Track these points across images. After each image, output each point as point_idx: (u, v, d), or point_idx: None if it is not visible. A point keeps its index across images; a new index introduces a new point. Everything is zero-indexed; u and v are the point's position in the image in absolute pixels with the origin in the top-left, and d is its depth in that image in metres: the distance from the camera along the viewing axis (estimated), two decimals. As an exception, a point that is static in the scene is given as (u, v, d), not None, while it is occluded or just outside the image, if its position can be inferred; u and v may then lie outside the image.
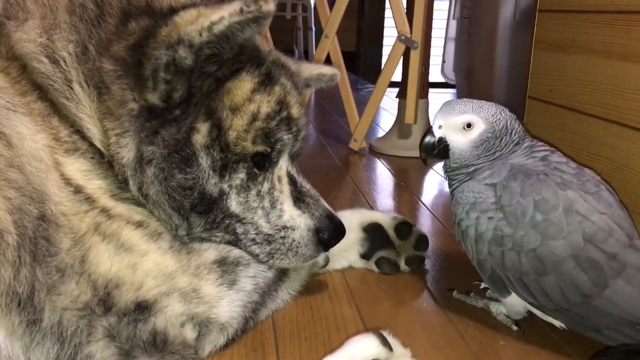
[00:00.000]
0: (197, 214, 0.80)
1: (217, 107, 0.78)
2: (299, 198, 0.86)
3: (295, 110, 0.85)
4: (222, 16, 0.71)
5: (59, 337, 0.65)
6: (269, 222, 0.83)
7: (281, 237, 0.84)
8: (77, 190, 0.71)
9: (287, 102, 0.84)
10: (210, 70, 0.77)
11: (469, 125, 0.83)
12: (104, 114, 0.76)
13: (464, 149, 0.85)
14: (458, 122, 0.84)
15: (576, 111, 1.24)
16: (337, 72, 1.02)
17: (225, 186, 0.80)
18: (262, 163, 0.83)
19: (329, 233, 0.86)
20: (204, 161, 0.78)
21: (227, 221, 0.82)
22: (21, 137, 0.67)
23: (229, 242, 0.84)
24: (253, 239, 0.84)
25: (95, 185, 0.74)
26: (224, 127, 0.78)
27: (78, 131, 0.76)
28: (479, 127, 0.83)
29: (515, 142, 0.84)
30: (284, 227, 0.84)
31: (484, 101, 0.85)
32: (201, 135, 0.77)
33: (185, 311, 0.73)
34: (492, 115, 0.83)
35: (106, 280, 0.68)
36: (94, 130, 0.76)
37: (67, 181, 0.71)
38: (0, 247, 0.60)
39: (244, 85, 0.79)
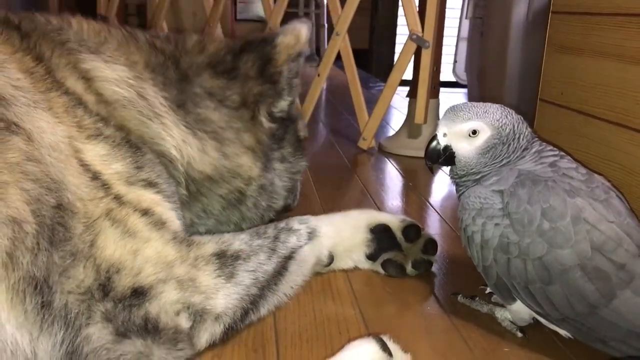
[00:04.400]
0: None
1: None
2: None
3: None
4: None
5: (65, 320, 0.67)
6: None
7: None
8: (95, 176, 0.75)
9: None
10: None
11: (474, 132, 0.82)
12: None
13: (471, 156, 0.83)
14: (463, 129, 0.82)
15: (588, 115, 1.22)
16: None
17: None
18: None
19: None
20: None
21: None
22: (41, 130, 0.71)
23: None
24: None
25: (112, 169, 0.78)
26: None
27: (103, 119, 0.81)
28: (485, 134, 0.82)
29: (523, 147, 0.83)
30: None
31: (489, 104, 0.83)
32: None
33: (181, 299, 0.74)
34: (497, 120, 0.82)
35: (109, 265, 0.71)
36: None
37: (85, 167, 0.75)
38: (19, 236, 0.62)
39: None
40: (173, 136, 0.92)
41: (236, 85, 1.01)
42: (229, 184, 0.99)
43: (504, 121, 0.82)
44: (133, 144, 0.83)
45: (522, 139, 0.83)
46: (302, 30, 1.03)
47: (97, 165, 0.76)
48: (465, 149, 0.83)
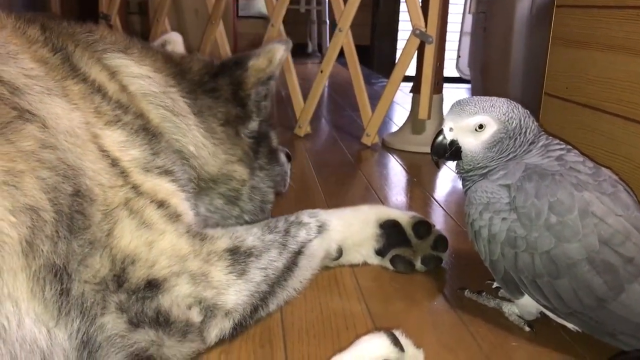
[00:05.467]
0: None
1: None
2: None
3: None
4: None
5: (81, 309, 0.67)
6: None
7: None
8: (114, 163, 0.76)
9: None
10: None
11: (480, 127, 0.82)
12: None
13: (477, 151, 0.83)
14: (470, 124, 0.82)
15: (594, 109, 1.21)
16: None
17: None
18: None
19: None
20: None
21: None
22: (56, 117, 0.72)
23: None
24: None
25: (130, 156, 0.79)
26: None
27: (122, 106, 0.83)
28: (491, 128, 0.82)
29: (530, 141, 0.82)
30: None
31: (495, 98, 0.83)
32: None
33: (193, 293, 0.75)
34: (504, 114, 0.81)
35: (124, 256, 0.71)
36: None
37: (104, 153, 0.76)
38: (38, 224, 0.62)
39: None
40: (193, 135, 0.95)
41: (220, 105, 1.05)
42: (227, 184, 1.04)
43: (510, 115, 0.81)
44: (150, 131, 0.85)
45: (529, 133, 0.82)
46: (277, 52, 1.06)
47: (116, 151, 0.77)
48: (471, 143, 0.83)
